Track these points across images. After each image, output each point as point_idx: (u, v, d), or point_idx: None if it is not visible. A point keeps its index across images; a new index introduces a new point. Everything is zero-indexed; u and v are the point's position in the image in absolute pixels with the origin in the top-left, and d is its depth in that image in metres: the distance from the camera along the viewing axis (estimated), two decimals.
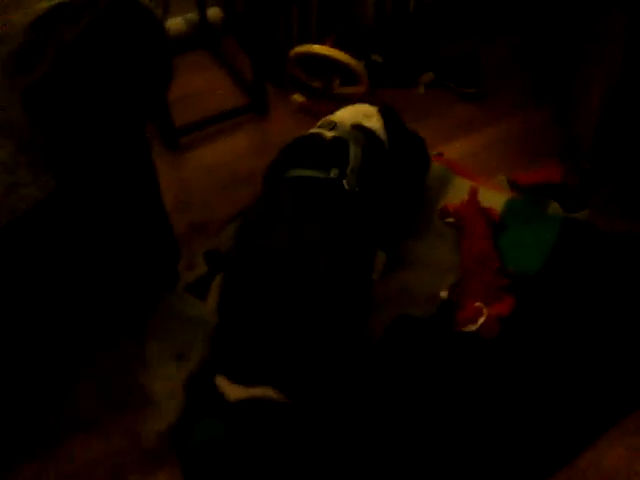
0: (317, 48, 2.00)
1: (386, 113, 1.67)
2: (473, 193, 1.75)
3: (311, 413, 1.29)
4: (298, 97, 2.10)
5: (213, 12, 2.37)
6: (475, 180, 1.87)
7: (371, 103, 1.72)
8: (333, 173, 1.44)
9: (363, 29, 2.19)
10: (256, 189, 1.88)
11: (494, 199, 1.78)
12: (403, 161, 1.65)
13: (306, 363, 1.25)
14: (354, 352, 1.35)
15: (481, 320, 1.49)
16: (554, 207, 1.82)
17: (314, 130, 1.59)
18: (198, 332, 1.45)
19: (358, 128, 1.57)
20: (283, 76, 2.13)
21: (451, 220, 1.72)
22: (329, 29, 2.18)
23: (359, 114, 1.62)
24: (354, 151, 1.49)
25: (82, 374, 1.50)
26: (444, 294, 1.56)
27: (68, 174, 1.15)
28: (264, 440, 1.29)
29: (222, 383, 1.28)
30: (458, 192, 1.81)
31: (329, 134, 1.54)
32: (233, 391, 1.26)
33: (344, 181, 1.44)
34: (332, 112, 2.08)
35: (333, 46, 2.08)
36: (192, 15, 2.33)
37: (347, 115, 1.62)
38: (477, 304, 1.51)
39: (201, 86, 2.22)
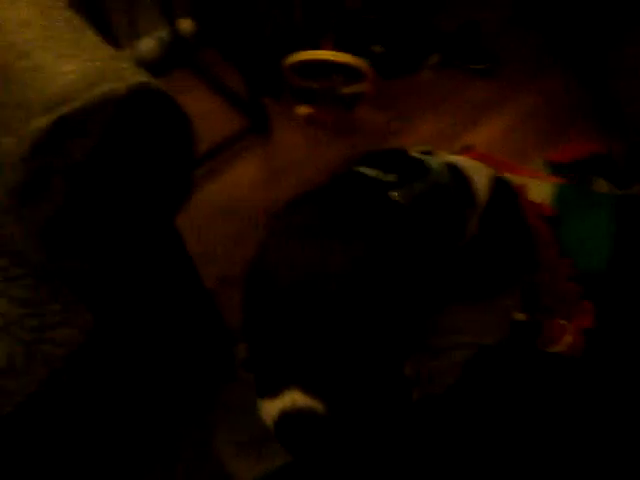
0: (314, 54, 1.79)
1: (499, 184, 1.44)
2: (522, 192, 1.60)
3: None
4: (303, 109, 1.90)
5: (185, 24, 2.13)
6: (515, 171, 1.71)
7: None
8: (389, 178, 1.26)
9: (359, 21, 1.98)
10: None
11: (541, 190, 1.65)
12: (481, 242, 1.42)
13: (330, 360, 1.10)
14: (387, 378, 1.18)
15: (568, 339, 1.37)
16: (602, 185, 1.68)
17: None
18: None
19: (452, 168, 1.37)
20: (281, 87, 1.93)
21: None
22: (319, 27, 1.97)
23: (466, 162, 1.43)
24: (427, 180, 1.30)
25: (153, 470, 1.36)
26: (521, 316, 1.42)
27: (104, 304, 0.98)
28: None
29: (260, 406, 1.15)
30: None
31: (416, 154, 1.37)
32: (266, 409, 1.13)
33: (394, 192, 1.24)
34: (341, 118, 1.93)
35: (333, 46, 1.87)
36: (162, 32, 2.09)
37: (452, 157, 1.44)
38: (559, 321, 1.38)
39: (190, 113, 2.00)
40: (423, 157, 1.35)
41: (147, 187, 0.95)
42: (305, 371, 1.09)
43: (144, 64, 2.00)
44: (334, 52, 1.80)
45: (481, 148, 1.82)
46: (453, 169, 1.36)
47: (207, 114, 1.99)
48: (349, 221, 1.21)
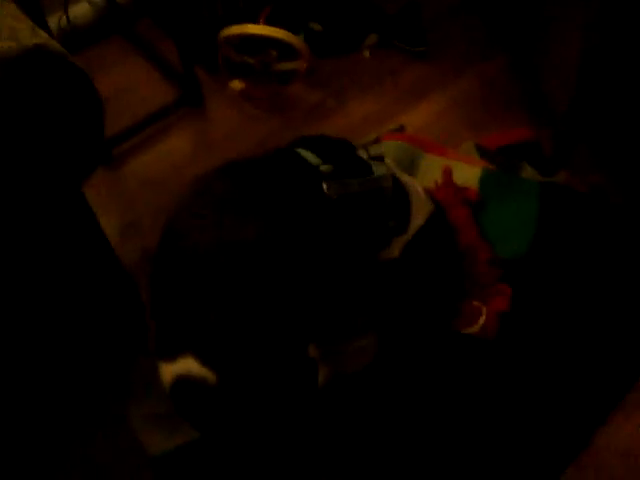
0: (251, 28, 1.77)
1: (436, 217, 1.41)
2: (447, 174, 1.62)
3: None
4: (237, 84, 1.88)
5: None
6: (444, 154, 1.73)
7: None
8: (325, 168, 1.24)
9: None
10: None
11: (468, 175, 1.67)
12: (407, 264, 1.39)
13: (226, 331, 1.09)
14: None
15: (481, 320, 1.40)
16: (528, 171, 1.72)
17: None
18: None
19: (397, 182, 1.33)
20: (215, 60, 1.90)
21: None
22: (258, 1, 1.94)
23: (415, 189, 1.39)
24: (364, 182, 1.27)
25: (68, 454, 1.35)
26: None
27: (7, 275, 0.95)
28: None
29: (159, 366, 1.12)
30: (429, 172, 1.69)
31: (364, 155, 1.34)
32: (164, 372, 1.11)
33: (324, 183, 1.22)
34: (275, 94, 1.91)
35: (266, 20, 1.85)
36: None
37: (407, 177, 1.40)
38: (475, 303, 1.41)
39: (122, 82, 1.97)
40: (371, 162, 1.32)
41: (48, 152, 0.92)
42: (202, 339, 1.08)
43: (76, 28, 1.97)
44: (270, 27, 1.78)
45: (414, 130, 1.83)
46: (398, 184, 1.34)
47: (140, 84, 1.96)
48: (273, 198, 1.19)
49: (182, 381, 1.08)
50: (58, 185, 0.97)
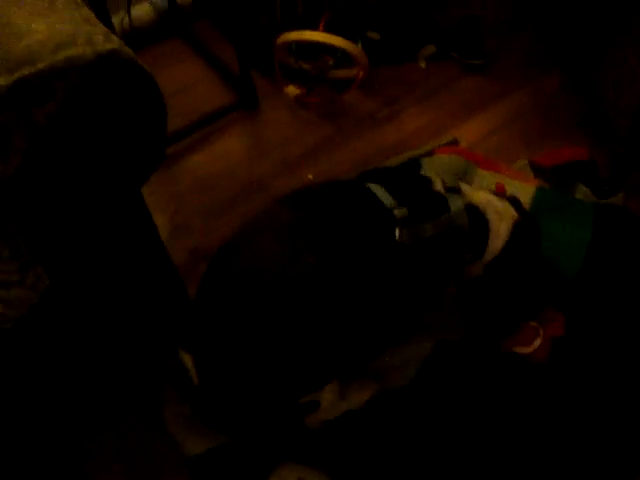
0: (309, 34, 1.78)
1: (522, 228, 1.34)
2: (500, 190, 1.60)
3: None
4: (292, 89, 1.89)
5: None
6: (497, 169, 1.71)
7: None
8: (400, 212, 1.20)
9: (358, 5, 1.96)
10: (261, 200, 1.72)
11: (521, 192, 1.64)
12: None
13: (223, 355, 1.16)
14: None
15: (537, 343, 1.37)
16: (583, 191, 1.68)
17: (430, 174, 1.36)
18: None
19: (472, 211, 1.29)
20: (271, 64, 1.91)
21: None
22: (318, 7, 1.95)
23: (494, 204, 1.33)
24: (438, 222, 1.23)
25: (103, 446, 1.37)
26: None
27: (63, 266, 0.98)
28: None
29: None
30: (481, 187, 1.66)
31: (440, 187, 1.29)
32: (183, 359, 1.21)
33: (397, 229, 1.18)
34: (330, 101, 1.92)
35: (325, 28, 1.86)
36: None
37: (480, 196, 1.35)
38: (532, 324, 1.39)
39: (179, 82, 1.99)
40: (448, 195, 1.28)
41: (113, 154, 0.94)
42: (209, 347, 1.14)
43: (137, 29, 2.00)
44: (328, 34, 1.78)
45: (467, 144, 1.81)
46: (474, 213, 1.30)
47: (196, 85, 1.99)
48: (341, 239, 1.16)
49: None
50: (122, 185, 0.99)
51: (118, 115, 0.90)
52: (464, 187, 1.35)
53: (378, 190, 1.22)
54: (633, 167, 1.66)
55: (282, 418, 1.24)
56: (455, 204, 1.27)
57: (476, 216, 1.30)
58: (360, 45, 1.87)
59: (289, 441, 1.28)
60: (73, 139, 0.87)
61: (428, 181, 1.31)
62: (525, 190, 1.65)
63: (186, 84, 1.99)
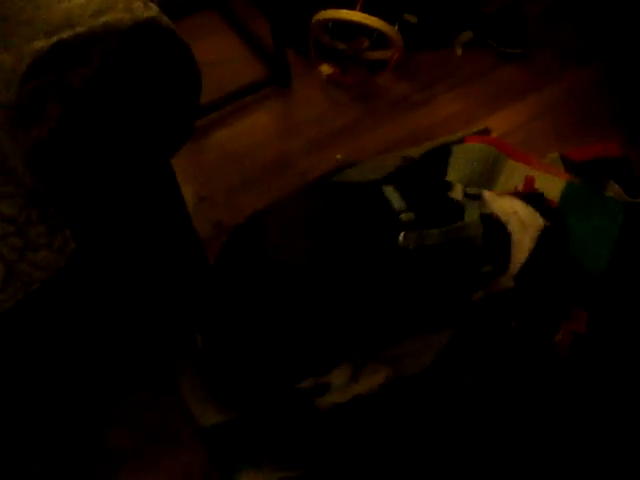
0: (345, 13, 1.76)
1: (549, 235, 1.31)
2: (529, 182, 1.59)
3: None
4: (326, 68, 1.88)
5: None
6: (528, 161, 1.69)
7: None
8: (407, 217, 1.20)
9: None
10: (288, 178, 1.72)
11: (551, 186, 1.62)
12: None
13: (228, 336, 1.18)
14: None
15: (558, 337, 1.36)
16: (614, 189, 1.65)
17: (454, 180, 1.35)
18: None
19: (491, 221, 1.26)
20: (306, 42, 1.90)
21: None
22: None
23: (519, 214, 1.30)
24: (447, 231, 1.22)
25: (118, 413, 1.39)
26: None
27: (89, 231, 0.98)
28: None
29: None
30: (511, 178, 1.65)
31: (459, 194, 1.28)
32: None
33: (402, 233, 1.18)
34: (363, 82, 1.90)
35: (362, 8, 1.83)
36: None
37: (504, 204, 1.32)
38: None
39: (212, 55, 1.97)
40: (466, 202, 1.26)
41: (145, 123, 0.94)
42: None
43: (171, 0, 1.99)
44: (365, 14, 1.76)
45: (499, 134, 1.79)
46: (493, 223, 1.27)
47: (229, 59, 1.98)
48: (344, 239, 1.18)
49: None
50: (153, 153, 0.99)
51: (153, 83, 0.90)
52: (487, 194, 1.32)
53: (391, 194, 1.22)
54: None
55: (290, 398, 1.25)
56: (471, 213, 1.25)
57: (496, 227, 1.27)
58: (397, 27, 1.85)
59: (299, 420, 1.29)
60: (107, 104, 0.87)
61: (448, 186, 1.30)
62: (555, 184, 1.62)
63: (219, 57, 1.98)
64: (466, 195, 1.28)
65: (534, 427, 1.31)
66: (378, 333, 1.25)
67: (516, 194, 1.43)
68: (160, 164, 1.07)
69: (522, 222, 1.29)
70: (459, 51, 1.98)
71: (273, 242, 1.18)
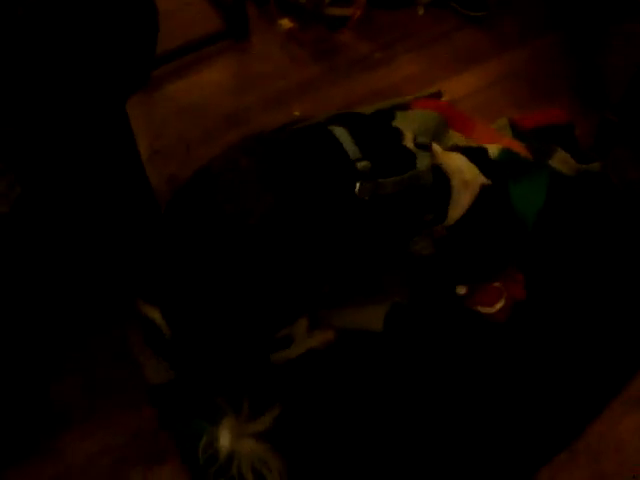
0: None
1: (489, 193, 1.33)
2: None
3: None
4: (286, 22, 1.84)
5: None
6: (469, 129, 1.69)
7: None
8: (362, 166, 1.17)
9: None
10: (243, 132, 1.68)
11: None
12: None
13: (194, 301, 1.13)
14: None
15: (500, 304, 1.39)
16: (562, 156, 1.67)
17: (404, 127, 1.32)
18: None
19: (438, 173, 1.27)
20: None
21: None
22: None
23: (463, 173, 1.31)
24: (401, 181, 1.21)
25: (67, 367, 1.35)
26: (462, 291, 1.41)
27: (37, 176, 0.93)
28: None
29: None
30: None
31: (409, 142, 1.26)
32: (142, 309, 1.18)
33: (358, 183, 1.16)
34: (323, 39, 1.86)
35: None
36: None
37: (452, 160, 1.33)
38: (496, 284, 1.40)
39: (169, 5, 1.89)
40: (417, 151, 1.25)
41: (99, 61, 0.90)
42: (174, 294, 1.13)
43: None
44: None
45: (454, 98, 1.78)
46: (440, 175, 1.28)
47: (186, 9, 1.92)
48: (299, 187, 1.15)
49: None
50: (107, 96, 0.94)
51: (109, 17, 0.85)
52: (435, 147, 1.32)
53: (345, 138, 1.19)
54: (618, 136, 1.65)
55: (255, 354, 1.24)
56: (422, 162, 1.25)
57: (442, 179, 1.28)
58: None
59: (253, 375, 1.28)
60: (55, 36, 0.82)
61: (399, 134, 1.28)
62: (490, 151, 1.62)
63: (176, 7, 1.91)
64: (416, 144, 1.27)
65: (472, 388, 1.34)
66: (334, 280, 1.25)
67: (461, 148, 1.44)
68: (114, 108, 1.02)
69: (465, 182, 1.31)
70: (421, 11, 1.97)
71: (228, 196, 1.12)
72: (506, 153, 1.61)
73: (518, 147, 1.65)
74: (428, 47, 1.90)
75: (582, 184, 1.60)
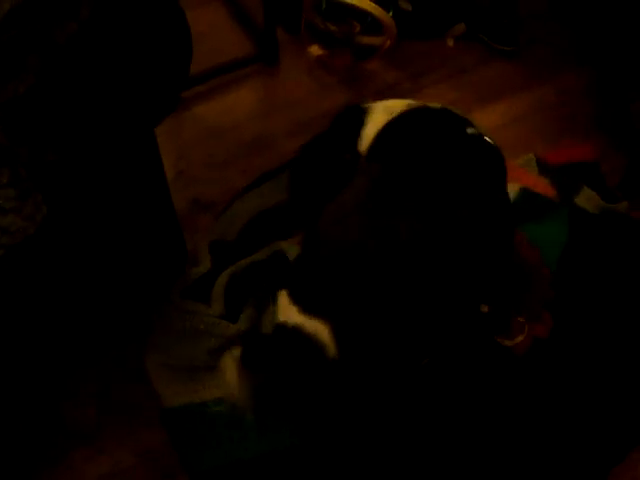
0: None
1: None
2: None
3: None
4: (316, 49, 1.84)
5: None
6: None
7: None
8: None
9: None
10: (268, 158, 1.68)
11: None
12: None
13: (370, 319, 1.12)
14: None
15: (520, 338, 1.37)
16: (588, 194, 1.65)
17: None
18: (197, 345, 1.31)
19: None
20: (297, 21, 1.86)
21: None
22: None
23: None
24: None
25: (81, 387, 1.36)
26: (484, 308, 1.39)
27: (62, 197, 0.94)
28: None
29: (282, 298, 1.16)
30: None
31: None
32: (286, 311, 1.14)
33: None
34: (352, 67, 1.87)
35: None
36: None
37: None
38: (520, 319, 1.38)
39: (200, 26, 1.90)
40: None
41: (131, 87, 0.90)
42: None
43: None
44: None
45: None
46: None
47: (217, 32, 1.93)
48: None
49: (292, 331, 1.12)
50: (136, 120, 0.95)
51: (143, 45, 0.86)
52: None
53: None
54: None
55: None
56: None
57: None
58: (391, 14, 1.81)
59: None
60: (92, 63, 0.83)
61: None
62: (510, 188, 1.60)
63: (207, 29, 1.92)
64: None
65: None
66: None
67: None
68: (143, 133, 1.02)
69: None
70: (451, 43, 1.96)
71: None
72: (524, 193, 1.59)
73: (542, 184, 1.63)
74: (456, 79, 1.90)
75: (607, 223, 1.58)
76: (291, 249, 1.38)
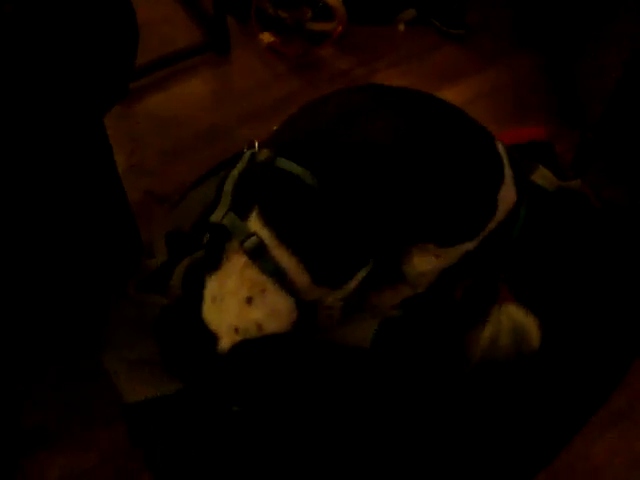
0: None
1: None
2: None
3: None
4: (267, 37, 1.83)
5: None
6: None
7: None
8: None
9: None
10: (222, 147, 1.67)
11: None
12: None
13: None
14: None
15: None
16: (544, 173, 1.68)
17: None
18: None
19: None
20: (247, 10, 1.83)
21: None
22: None
23: None
24: None
25: (38, 388, 1.33)
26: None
27: (8, 189, 0.91)
28: None
29: None
30: None
31: None
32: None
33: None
34: (303, 54, 1.86)
35: None
36: None
37: None
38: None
39: (148, 17, 1.87)
40: None
41: (76, 73, 0.87)
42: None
43: None
44: None
45: None
46: None
47: (166, 21, 1.90)
48: None
49: None
50: (84, 109, 0.92)
51: (83, 29, 0.83)
52: None
53: None
54: (596, 154, 1.66)
55: None
56: None
57: None
58: None
59: None
60: (30, 48, 0.80)
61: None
62: None
63: (155, 18, 1.89)
64: None
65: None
66: None
67: None
68: (91, 122, 1.00)
69: None
70: (402, 28, 1.97)
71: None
72: None
73: None
74: (408, 63, 1.91)
75: (563, 200, 1.61)
76: None
